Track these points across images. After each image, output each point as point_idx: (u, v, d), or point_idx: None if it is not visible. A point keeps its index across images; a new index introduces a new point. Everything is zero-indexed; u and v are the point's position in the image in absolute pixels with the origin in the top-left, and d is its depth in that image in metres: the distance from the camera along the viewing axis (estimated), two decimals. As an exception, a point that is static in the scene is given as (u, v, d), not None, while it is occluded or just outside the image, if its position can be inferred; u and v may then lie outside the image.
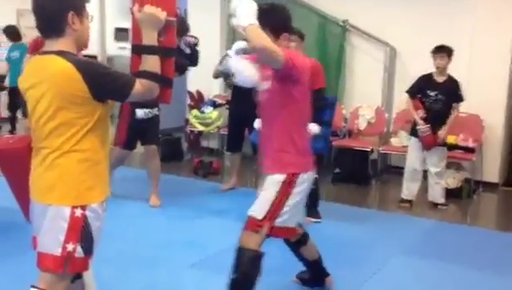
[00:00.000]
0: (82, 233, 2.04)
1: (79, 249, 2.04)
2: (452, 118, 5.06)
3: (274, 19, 2.70)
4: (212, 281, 3.22)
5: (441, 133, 5.01)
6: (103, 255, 2.32)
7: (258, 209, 2.68)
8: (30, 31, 9.23)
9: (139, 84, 2.07)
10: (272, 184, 2.68)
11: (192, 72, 7.49)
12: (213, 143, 7.51)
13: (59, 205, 2.03)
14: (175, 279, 3.38)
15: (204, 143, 7.49)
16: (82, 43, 2.16)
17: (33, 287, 2.06)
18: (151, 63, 2.11)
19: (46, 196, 2.06)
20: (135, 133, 4.85)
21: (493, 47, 5.81)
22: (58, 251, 2.02)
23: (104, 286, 2.60)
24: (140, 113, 4.78)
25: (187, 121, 7.33)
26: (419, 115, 5.03)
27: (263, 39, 2.45)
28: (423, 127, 4.99)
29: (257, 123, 3.79)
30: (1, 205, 4.46)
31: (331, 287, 3.24)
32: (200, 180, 5.96)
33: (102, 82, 2.03)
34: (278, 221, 2.68)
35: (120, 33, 8.69)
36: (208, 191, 5.54)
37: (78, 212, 2.04)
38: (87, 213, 2.05)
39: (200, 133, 7.26)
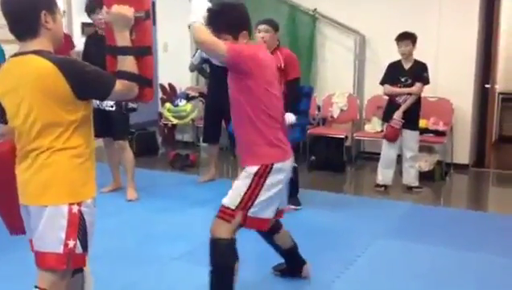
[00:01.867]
0: (79, 229, 2.05)
1: (78, 245, 2.05)
2: (410, 98, 5.12)
3: (226, 20, 2.72)
4: (199, 273, 3.24)
5: (396, 115, 5.09)
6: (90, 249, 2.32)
7: (232, 198, 2.69)
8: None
9: (119, 84, 2.08)
10: (246, 175, 2.69)
11: (163, 65, 7.52)
12: (188, 136, 7.51)
13: (57, 205, 2.03)
14: (161, 273, 3.41)
15: (179, 137, 7.48)
16: (57, 41, 2.14)
17: (36, 287, 2.06)
18: (127, 63, 2.12)
19: (41, 197, 2.04)
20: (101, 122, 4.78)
21: (460, 31, 5.96)
22: (60, 249, 2.02)
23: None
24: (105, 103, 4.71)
25: (160, 114, 7.30)
26: (403, 91, 5.10)
27: (202, 33, 2.58)
28: (398, 119, 5.08)
29: None
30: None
31: (308, 274, 3.27)
32: (178, 173, 5.97)
33: (83, 81, 2.02)
34: (252, 212, 2.68)
35: (87, 28, 8.56)
36: (187, 183, 5.55)
37: (75, 208, 2.04)
38: (82, 208, 2.07)
39: (175, 126, 7.24)
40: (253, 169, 2.68)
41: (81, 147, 2.09)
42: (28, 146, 2.06)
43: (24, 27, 2.05)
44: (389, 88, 5.20)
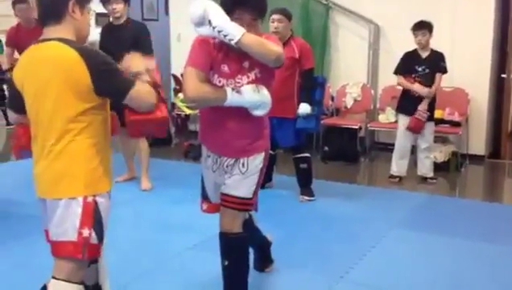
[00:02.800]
0: (94, 219, 2.05)
1: (94, 235, 2.05)
2: (433, 88, 5.08)
3: (264, 3, 2.49)
4: (213, 263, 3.24)
5: (420, 107, 5.03)
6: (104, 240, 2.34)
7: (245, 187, 2.58)
8: (4, 19, 9.10)
9: (140, 84, 2.07)
10: (256, 162, 2.60)
11: (176, 55, 7.52)
12: (200, 126, 7.51)
13: (72, 197, 2.03)
14: (176, 262, 3.42)
15: (192, 127, 7.49)
16: (82, 37, 2.12)
17: (53, 278, 2.07)
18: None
19: (56, 190, 2.04)
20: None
21: (475, 20, 5.89)
22: (74, 237, 2.02)
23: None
24: None
25: (173, 105, 7.31)
26: (423, 89, 5.01)
27: (269, 45, 2.33)
28: (423, 111, 5.01)
29: None
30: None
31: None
32: (191, 163, 5.98)
33: (105, 75, 2.00)
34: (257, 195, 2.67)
35: (101, 18, 8.57)
36: (200, 173, 5.54)
37: (90, 198, 2.05)
38: (98, 199, 2.07)
39: (188, 116, 7.25)
40: (261, 154, 2.61)
41: (101, 137, 2.09)
42: (45, 135, 2.05)
43: (50, 10, 2.05)
44: (403, 81, 5.14)
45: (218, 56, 2.46)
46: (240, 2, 2.37)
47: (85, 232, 2.03)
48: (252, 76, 2.47)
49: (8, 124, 7.76)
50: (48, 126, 2.03)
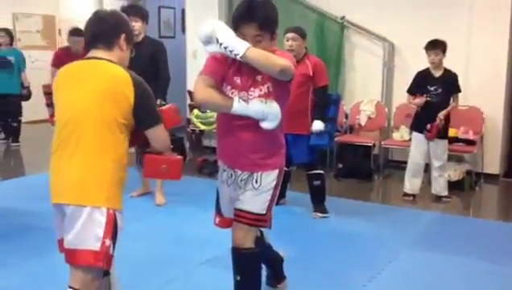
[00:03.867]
0: (113, 230, 2.11)
1: (111, 246, 2.10)
2: (452, 105, 5.08)
3: (275, 15, 2.51)
4: (226, 278, 3.26)
5: (441, 114, 4.99)
6: (116, 254, 2.37)
7: (259, 203, 2.61)
8: (25, 35, 9.28)
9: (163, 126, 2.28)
10: (271, 177, 2.63)
11: (192, 72, 7.59)
12: (215, 142, 7.53)
13: (96, 206, 2.08)
14: (190, 276, 3.44)
15: (206, 142, 7.53)
16: (122, 66, 2.27)
17: (70, 288, 2.11)
18: None
19: (80, 197, 2.09)
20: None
21: (490, 39, 5.88)
22: (97, 246, 2.07)
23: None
24: None
25: (188, 120, 7.37)
26: (421, 100, 5.02)
27: (273, 59, 2.39)
28: (441, 118, 4.99)
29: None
30: (18, 207, 4.53)
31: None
32: (206, 179, 6.01)
33: (145, 101, 2.19)
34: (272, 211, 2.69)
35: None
36: (215, 189, 5.56)
37: (111, 210, 2.12)
38: (116, 213, 2.13)
39: (202, 132, 7.30)
40: (276, 170, 2.64)
41: (123, 157, 2.18)
42: (77, 140, 2.11)
43: (104, 37, 2.23)
44: (409, 100, 5.18)
45: (232, 68, 2.53)
46: (243, 17, 2.45)
47: (107, 242, 2.08)
48: (264, 89, 2.51)
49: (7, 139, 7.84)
50: (84, 131, 2.11)
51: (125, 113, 2.14)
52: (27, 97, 7.73)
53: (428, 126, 5.00)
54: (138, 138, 2.32)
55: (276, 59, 2.42)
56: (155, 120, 2.25)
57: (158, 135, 2.28)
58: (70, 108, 2.15)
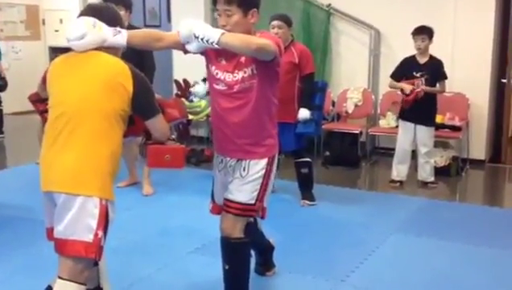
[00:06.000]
0: (106, 221, 2.10)
1: (103, 237, 2.10)
2: (438, 88, 5.10)
3: None
4: (214, 266, 3.27)
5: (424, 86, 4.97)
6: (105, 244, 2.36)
7: (248, 193, 2.60)
8: (8, 26, 9.15)
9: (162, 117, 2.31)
10: (259, 166, 2.62)
11: (178, 62, 7.55)
12: (202, 132, 7.54)
13: (89, 196, 2.07)
14: (179, 265, 3.45)
15: (194, 132, 7.51)
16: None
17: (60, 278, 2.09)
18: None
19: (72, 184, 2.06)
20: None
21: (476, 25, 5.91)
22: (90, 238, 2.05)
23: (110, 274, 2.63)
24: None
25: (175, 110, 7.33)
26: (409, 86, 4.98)
27: (248, 39, 2.41)
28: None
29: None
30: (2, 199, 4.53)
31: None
32: (193, 168, 6.00)
33: (145, 92, 2.20)
34: (265, 201, 2.69)
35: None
36: (202, 178, 5.54)
37: (104, 201, 2.11)
38: (108, 203, 2.13)
39: (189, 122, 7.27)
40: (264, 159, 2.62)
41: (118, 147, 2.17)
42: (73, 128, 2.09)
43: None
44: (392, 83, 5.18)
45: (217, 50, 2.50)
46: None
47: (100, 233, 2.07)
48: (249, 71, 2.52)
49: None
50: (80, 119, 2.09)
51: (123, 104, 2.14)
52: (3, 87, 7.60)
53: (408, 90, 4.99)
54: (135, 130, 2.35)
55: (252, 39, 2.45)
56: (154, 111, 2.27)
57: (158, 125, 2.31)
58: (66, 97, 2.13)
